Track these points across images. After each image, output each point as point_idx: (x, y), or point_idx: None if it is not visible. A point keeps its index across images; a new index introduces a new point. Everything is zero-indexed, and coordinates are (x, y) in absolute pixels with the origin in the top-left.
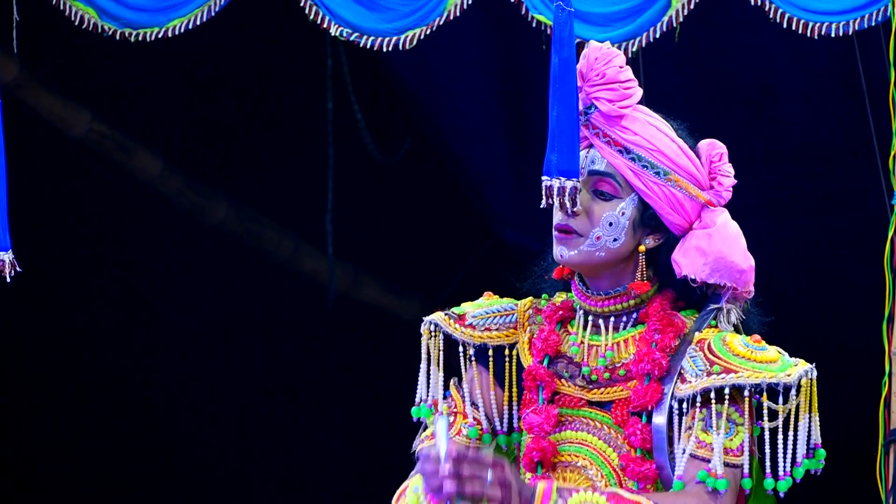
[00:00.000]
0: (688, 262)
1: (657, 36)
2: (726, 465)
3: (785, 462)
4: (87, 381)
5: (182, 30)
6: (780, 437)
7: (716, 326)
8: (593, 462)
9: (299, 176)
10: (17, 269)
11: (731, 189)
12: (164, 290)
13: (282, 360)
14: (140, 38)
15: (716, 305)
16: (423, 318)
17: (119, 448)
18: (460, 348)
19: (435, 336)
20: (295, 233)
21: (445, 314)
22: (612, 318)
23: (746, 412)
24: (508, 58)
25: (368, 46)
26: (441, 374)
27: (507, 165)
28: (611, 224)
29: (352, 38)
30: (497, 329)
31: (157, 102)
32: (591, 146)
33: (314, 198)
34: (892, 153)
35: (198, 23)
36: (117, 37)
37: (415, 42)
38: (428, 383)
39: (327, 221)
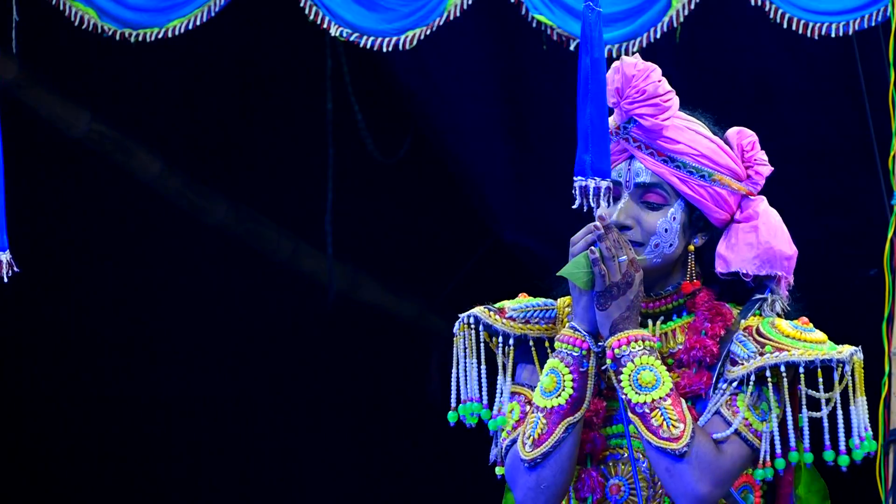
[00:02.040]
0: (737, 257)
1: (657, 36)
2: (744, 438)
3: (848, 438)
4: (85, 380)
5: (182, 30)
6: (840, 412)
7: (760, 315)
8: (645, 454)
9: (299, 176)
10: (15, 269)
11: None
12: (163, 289)
13: (281, 360)
14: (140, 39)
15: (761, 296)
16: (460, 314)
17: (118, 447)
18: (499, 340)
19: (474, 329)
20: (294, 233)
21: (485, 308)
22: (662, 317)
23: (787, 402)
24: (508, 58)
25: (368, 47)
26: (484, 367)
27: (507, 165)
28: (666, 230)
29: (352, 39)
30: (537, 322)
31: (157, 102)
32: (631, 157)
33: (314, 198)
34: (892, 153)
35: (197, 23)
36: (117, 37)
37: (415, 42)
38: (476, 379)
39: (327, 222)
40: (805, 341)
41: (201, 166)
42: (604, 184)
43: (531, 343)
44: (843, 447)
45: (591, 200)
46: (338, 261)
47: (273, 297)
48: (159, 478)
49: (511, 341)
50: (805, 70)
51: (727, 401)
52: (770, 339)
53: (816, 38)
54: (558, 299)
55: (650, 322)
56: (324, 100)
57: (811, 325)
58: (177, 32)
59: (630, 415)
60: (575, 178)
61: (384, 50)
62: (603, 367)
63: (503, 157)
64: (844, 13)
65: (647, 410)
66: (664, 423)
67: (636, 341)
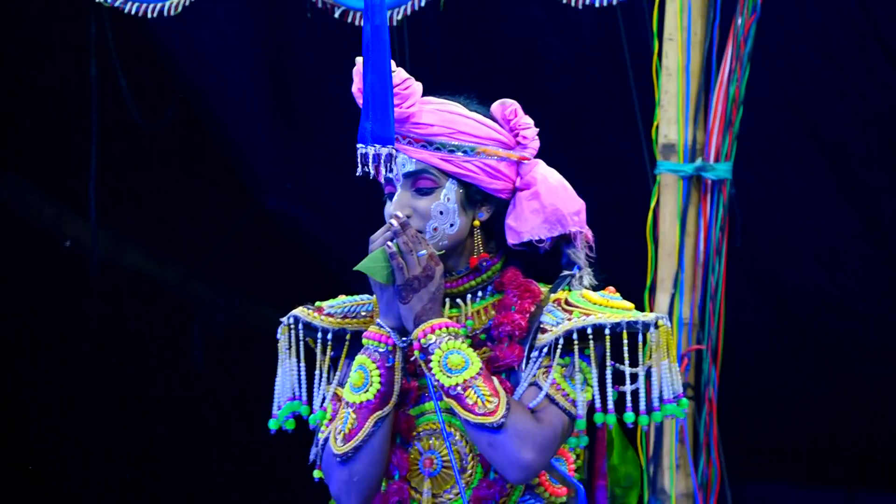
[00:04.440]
0: (525, 225)
1: (423, 4)
2: (561, 406)
3: (649, 400)
4: None
5: None
6: (643, 375)
7: (569, 290)
8: (458, 428)
9: (62, 142)
10: None
11: (536, 138)
12: None
13: (43, 327)
14: None
15: (569, 272)
16: (281, 318)
17: None
18: (318, 337)
19: (295, 329)
20: (57, 199)
21: (304, 307)
22: (469, 296)
23: (595, 370)
24: (273, 25)
25: (133, 13)
26: (304, 365)
27: (270, 133)
28: (441, 212)
29: (116, 5)
30: (355, 317)
31: None
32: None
33: (77, 164)
34: (655, 123)
35: None
36: None
37: (180, 9)
38: (299, 378)
39: (90, 188)
40: (612, 307)
41: None
42: (384, 150)
43: (347, 338)
44: (643, 409)
45: (371, 168)
46: (101, 227)
47: (35, 263)
48: None
49: (329, 336)
50: (570, 40)
51: (542, 372)
52: (578, 307)
53: (581, 7)
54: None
55: (460, 301)
56: (87, 66)
57: (618, 294)
58: None
59: (446, 398)
60: (357, 146)
61: (149, 17)
62: (412, 359)
63: (267, 124)
64: None
65: (461, 391)
66: (478, 399)
67: (440, 329)
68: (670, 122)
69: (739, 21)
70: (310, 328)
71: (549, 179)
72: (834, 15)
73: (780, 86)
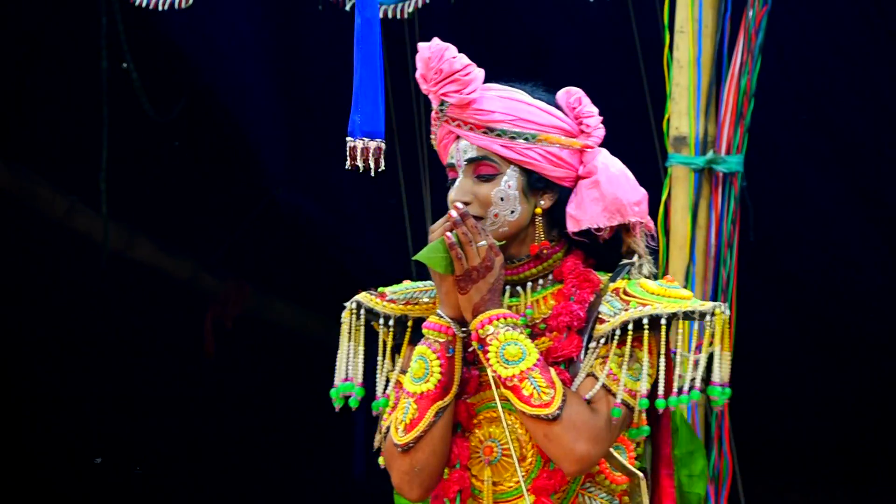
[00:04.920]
0: (585, 214)
1: None
2: (621, 399)
3: (692, 380)
4: None
5: None
6: (691, 357)
7: (628, 279)
8: (518, 417)
9: (74, 135)
10: None
11: (600, 126)
12: None
13: (56, 318)
14: None
15: (629, 261)
16: (345, 302)
17: None
18: (381, 321)
19: (356, 314)
20: (69, 191)
21: (367, 292)
22: (530, 284)
23: (651, 356)
24: (284, 17)
25: (143, 6)
26: (362, 348)
27: (281, 124)
28: (502, 199)
29: None
30: (416, 304)
31: None
32: (457, 138)
33: (89, 157)
34: (666, 116)
35: None
36: None
37: (190, 2)
38: (351, 360)
39: (101, 180)
40: (669, 297)
41: None
42: (373, 144)
43: (409, 324)
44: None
45: (360, 161)
46: (112, 220)
47: (46, 255)
48: None
49: (391, 322)
50: (581, 32)
51: (599, 362)
52: (635, 297)
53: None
54: None
55: (520, 290)
56: (98, 58)
57: (676, 283)
58: None
59: (503, 389)
60: (347, 139)
61: (159, 9)
62: (470, 349)
63: (277, 115)
64: None
65: (518, 382)
66: (534, 391)
67: (498, 319)
68: (681, 115)
69: (750, 13)
70: (372, 314)
71: (610, 168)
72: (845, 7)
73: (791, 78)
